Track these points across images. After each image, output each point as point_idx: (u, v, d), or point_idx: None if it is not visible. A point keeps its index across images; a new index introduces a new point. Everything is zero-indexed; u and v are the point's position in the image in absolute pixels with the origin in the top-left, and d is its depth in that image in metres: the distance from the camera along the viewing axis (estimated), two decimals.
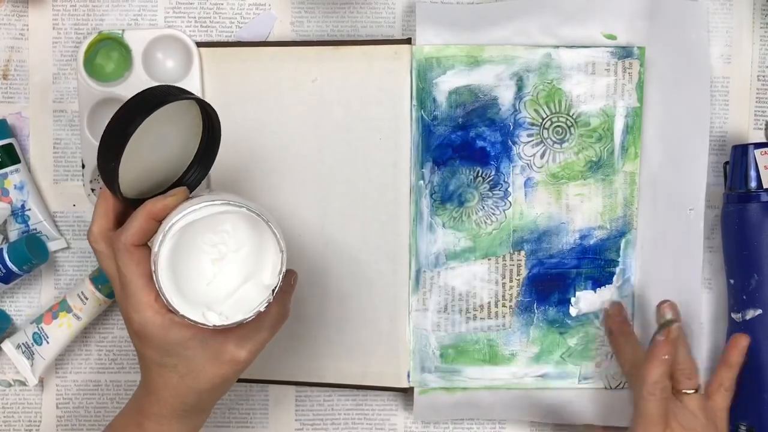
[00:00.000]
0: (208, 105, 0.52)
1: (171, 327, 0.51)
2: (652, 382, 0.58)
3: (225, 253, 0.51)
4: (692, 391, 0.61)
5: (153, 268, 0.49)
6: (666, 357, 0.59)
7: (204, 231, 0.51)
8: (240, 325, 0.51)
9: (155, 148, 0.52)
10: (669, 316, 0.62)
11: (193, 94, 0.51)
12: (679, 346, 0.61)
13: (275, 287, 0.50)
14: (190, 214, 0.49)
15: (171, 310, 0.50)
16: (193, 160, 0.56)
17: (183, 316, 0.49)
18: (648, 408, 0.58)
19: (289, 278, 0.55)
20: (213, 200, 0.49)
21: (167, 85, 0.51)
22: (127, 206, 0.53)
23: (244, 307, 0.50)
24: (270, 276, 0.51)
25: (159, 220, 0.51)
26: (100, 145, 0.50)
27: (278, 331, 0.55)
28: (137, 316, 0.51)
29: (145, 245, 0.52)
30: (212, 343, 0.52)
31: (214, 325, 0.50)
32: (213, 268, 0.51)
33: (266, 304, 0.50)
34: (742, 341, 0.64)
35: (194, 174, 0.56)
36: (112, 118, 0.49)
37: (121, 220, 0.54)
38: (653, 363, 0.59)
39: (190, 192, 0.54)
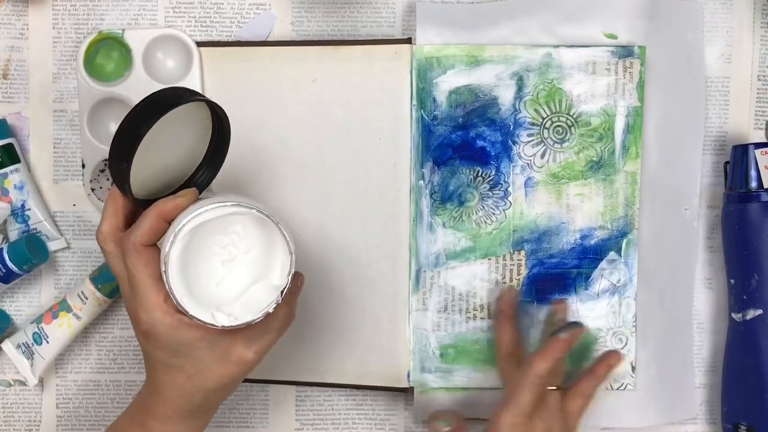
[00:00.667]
0: (218, 107, 0.53)
1: (180, 327, 0.51)
2: (539, 374, 0.58)
3: (235, 255, 0.51)
4: (554, 388, 0.61)
5: (163, 268, 0.49)
6: (560, 356, 0.59)
7: (214, 232, 0.51)
8: (248, 326, 0.51)
9: (165, 149, 0.52)
10: (579, 321, 0.62)
11: (203, 96, 0.51)
12: None
13: (284, 288, 0.50)
14: (201, 215, 0.49)
15: (180, 311, 0.50)
16: (203, 161, 0.56)
17: (192, 317, 0.49)
18: (525, 397, 0.58)
19: (296, 280, 0.55)
20: (224, 201, 0.49)
21: (178, 87, 0.51)
22: (137, 206, 0.53)
23: (253, 308, 0.50)
24: (279, 277, 0.51)
25: (169, 221, 0.51)
26: (111, 146, 0.50)
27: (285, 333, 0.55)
28: (146, 316, 0.51)
29: (154, 246, 0.52)
30: (220, 343, 0.52)
31: (223, 326, 0.50)
32: (222, 269, 0.51)
33: (275, 305, 0.50)
34: (613, 359, 0.63)
35: (203, 175, 0.56)
36: (123, 120, 0.49)
37: (130, 220, 0.54)
38: (547, 358, 0.59)
39: (200, 193, 0.54)
